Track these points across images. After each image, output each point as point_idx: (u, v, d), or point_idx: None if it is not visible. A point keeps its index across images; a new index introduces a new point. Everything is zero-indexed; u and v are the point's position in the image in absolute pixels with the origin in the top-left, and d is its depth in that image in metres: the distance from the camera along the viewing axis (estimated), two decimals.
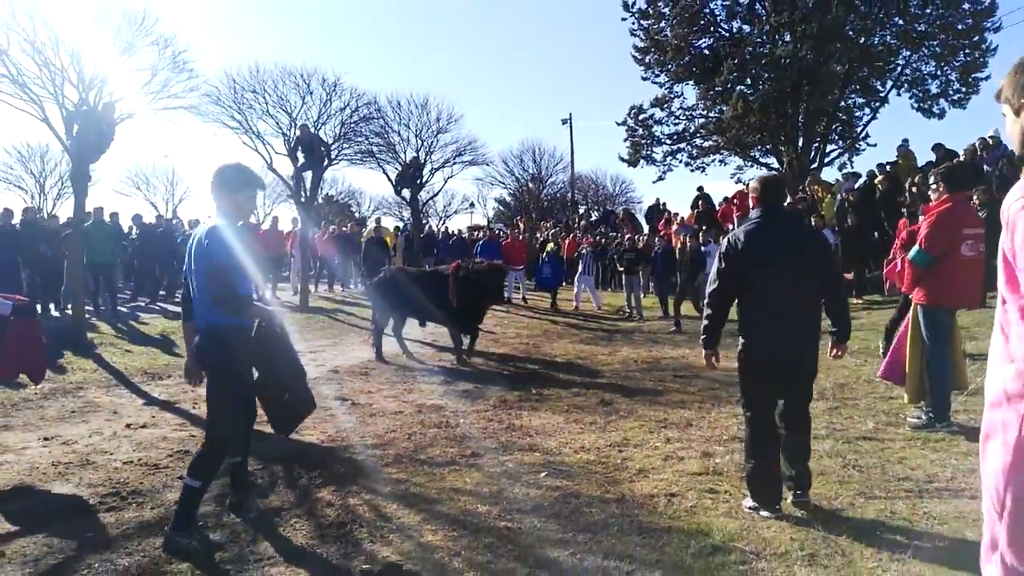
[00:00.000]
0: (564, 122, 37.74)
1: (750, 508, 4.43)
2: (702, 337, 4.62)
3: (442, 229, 30.03)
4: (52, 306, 13.00)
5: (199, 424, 6.66)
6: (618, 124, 25.31)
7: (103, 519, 4.37)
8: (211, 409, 4.11)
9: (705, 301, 4.62)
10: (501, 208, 47.75)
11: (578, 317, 16.49)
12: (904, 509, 4.35)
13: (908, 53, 23.56)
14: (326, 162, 16.46)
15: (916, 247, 6.11)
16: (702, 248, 15.98)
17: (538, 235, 26.64)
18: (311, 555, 3.83)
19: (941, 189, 6.20)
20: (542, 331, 14.10)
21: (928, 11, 22.94)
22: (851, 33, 22.66)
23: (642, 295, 17.64)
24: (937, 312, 6.09)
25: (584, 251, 18.32)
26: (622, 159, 25.77)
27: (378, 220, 25.13)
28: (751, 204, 4.64)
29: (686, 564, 3.63)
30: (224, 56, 72.19)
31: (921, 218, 7.32)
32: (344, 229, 22.75)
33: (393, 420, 6.87)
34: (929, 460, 5.31)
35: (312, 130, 16.26)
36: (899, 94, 24.12)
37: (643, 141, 24.90)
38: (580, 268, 17.99)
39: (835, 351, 4.61)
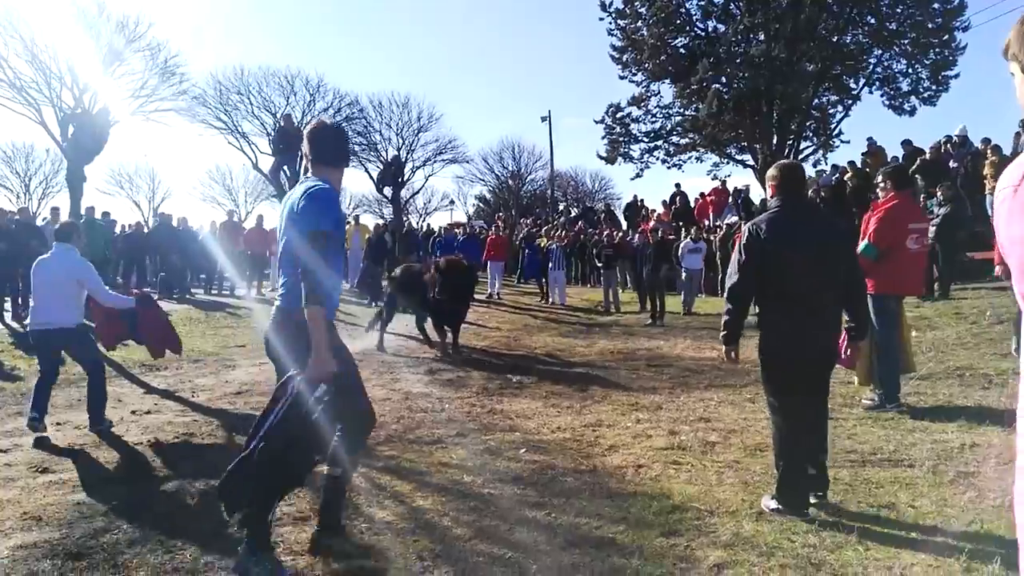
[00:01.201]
0: (543, 119, 38.13)
1: (773, 510, 4.19)
2: (724, 333, 4.37)
3: (423, 226, 30.37)
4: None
5: (200, 411, 7.09)
6: (596, 122, 25.83)
7: (123, 490, 4.80)
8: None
9: (726, 296, 4.37)
10: (482, 205, 48.14)
11: (558, 311, 16.97)
12: (847, 476, 4.84)
13: (880, 52, 24.19)
14: (301, 158, 16.78)
15: (865, 240, 6.63)
16: (693, 244, 16.55)
17: (517, 231, 27.10)
18: (316, 517, 4.25)
19: (888, 187, 6.73)
20: (522, 325, 14.56)
21: (899, 10, 23.57)
22: (823, 32, 23.25)
23: (620, 290, 18.19)
24: (885, 300, 6.59)
25: (553, 247, 18.80)
26: (600, 157, 26.33)
27: (356, 218, 25.43)
28: (770, 192, 4.44)
29: (647, 520, 4.11)
30: (210, 58, 72.70)
31: None
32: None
33: (382, 406, 7.28)
34: (876, 436, 5.82)
35: (295, 123, 16.62)
36: (871, 92, 24.76)
37: (621, 139, 25.43)
38: (551, 264, 18.49)
39: (848, 349, 4.46)
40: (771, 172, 4.46)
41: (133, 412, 6.98)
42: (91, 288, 6.42)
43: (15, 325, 11.48)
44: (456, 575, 3.49)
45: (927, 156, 16.63)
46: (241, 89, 16.38)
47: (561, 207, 39.16)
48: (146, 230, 19.34)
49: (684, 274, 16.31)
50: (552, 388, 8.18)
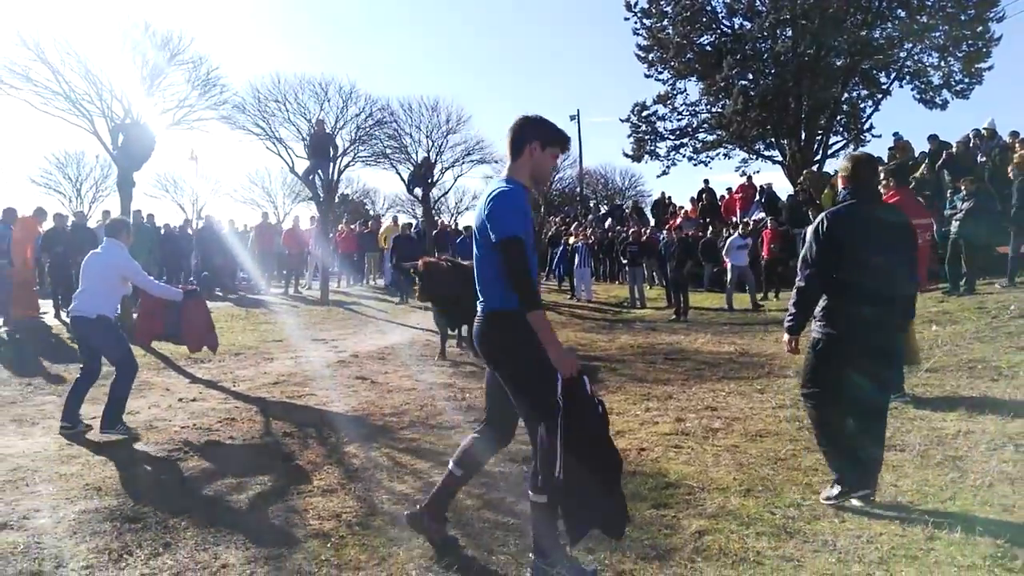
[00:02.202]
0: (572, 118, 38.36)
1: (834, 499, 4.24)
2: (790, 324, 4.42)
3: (453, 225, 30.76)
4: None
5: (240, 399, 7.63)
6: (622, 121, 26.05)
7: (172, 467, 5.35)
8: (525, 414, 3.45)
9: (799, 287, 4.35)
10: None
11: (585, 308, 17.33)
12: None
13: (910, 45, 23.98)
14: (333, 159, 17.25)
15: None
16: (741, 240, 16.69)
17: (546, 230, 27.41)
18: (342, 489, 4.74)
19: (890, 184, 7.01)
20: None
21: (929, 3, 23.37)
22: (851, 27, 23.13)
23: (646, 287, 18.50)
24: None
25: (579, 245, 19.14)
26: (626, 155, 26.55)
27: (395, 219, 26.01)
28: (840, 184, 4.48)
29: (642, 495, 4.49)
30: (248, 66, 75.29)
31: None
32: (354, 228, 23.69)
33: (407, 395, 7.77)
34: None
35: (327, 129, 17.17)
36: (901, 86, 24.49)
37: (646, 137, 25.61)
38: (576, 261, 18.84)
39: None
40: (843, 163, 4.54)
41: (180, 399, 7.55)
42: (137, 282, 6.65)
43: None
44: (463, 537, 3.91)
45: (953, 150, 16.62)
46: (278, 96, 16.91)
47: (591, 204, 39.36)
48: (190, 231, 20.16)
49: (730, 271, 16.33)
50: None
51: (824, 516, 4.08)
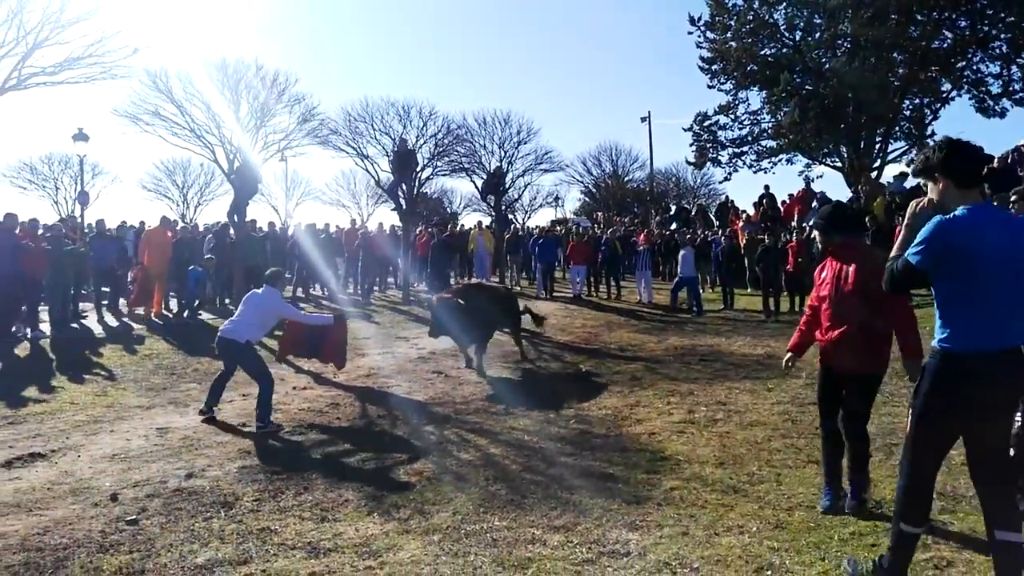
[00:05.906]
0: (643, 120, 39.57)
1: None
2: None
3: (528, 227, 32.41)
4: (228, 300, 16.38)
5: (341, 388, 9.52)
6: (684, 130, 27.26)
7: (293, 439, 7.23)
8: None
9: None
10: (588, 200, 49.91)
11: (643, 309, 18.70)
12: (806, 445, 6.61)
13: (970, 55, 24.46)
14: (416, 172, 19.16)
15: None
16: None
17: (614, 230, 28.80)
18: (422, 456, 6.51)
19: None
20: (605, 322, 16.44)
21: (991, 13, 23.83)
22: (911, 38, 23.77)
23: (700, 289, 19.74)
24: None
25: (640, 248, 20.47)
26: (689, 163, 27.79)
27: (479, 223, 27.75)
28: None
29: (639, 464, 6.10)
30: (340, 90, 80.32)
31: None
32: (431, 231, 25.59)
33: (475, 387, 9.51)
34: None
35: (408, 145, 19.11)
36: (959, 95, 25.02)
37: (708, 145, 26.77)
38: (638, 263, 20.15)
39: None
40: None
41: (294, 388, 9.49)
42: (295, 319, 8.77)
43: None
44: (506, 488, 5.61)
45: (995, 164, 17.30)
46: (365, 118, 18.91)
47: (663, 204, 40.50)
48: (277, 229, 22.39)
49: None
50: (611, 377, 10.15)
51: (767, 481, 5.60)
